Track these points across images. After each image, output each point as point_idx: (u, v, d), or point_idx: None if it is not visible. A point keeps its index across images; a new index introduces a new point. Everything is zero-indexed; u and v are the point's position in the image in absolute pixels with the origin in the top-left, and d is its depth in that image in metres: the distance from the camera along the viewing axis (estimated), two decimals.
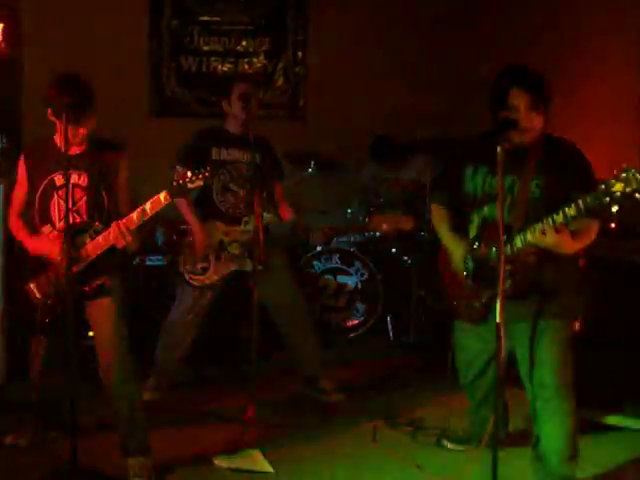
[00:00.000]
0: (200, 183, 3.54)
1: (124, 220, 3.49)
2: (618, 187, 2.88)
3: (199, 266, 4.53)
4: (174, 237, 4.67)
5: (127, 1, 6.69)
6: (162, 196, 3.51)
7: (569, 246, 3.23)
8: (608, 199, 2.89)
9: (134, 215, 3.49)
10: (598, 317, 4.11)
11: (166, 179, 4.45)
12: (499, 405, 3.48)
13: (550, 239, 3.15)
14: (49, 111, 3.52)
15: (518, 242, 3.26)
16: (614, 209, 2.89)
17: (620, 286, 4.20)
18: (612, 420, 4.17)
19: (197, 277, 4.54)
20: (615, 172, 2.89)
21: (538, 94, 3.32)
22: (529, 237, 3.22)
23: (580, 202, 3.01)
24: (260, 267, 4.05)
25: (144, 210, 3.49)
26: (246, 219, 4.53)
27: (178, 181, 3.52)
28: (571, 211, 3.05)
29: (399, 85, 7.12)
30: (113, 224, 3.49)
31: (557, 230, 3.12)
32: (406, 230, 5.62)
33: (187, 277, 4.55)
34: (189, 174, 3.52)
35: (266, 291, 4.30)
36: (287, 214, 4.69)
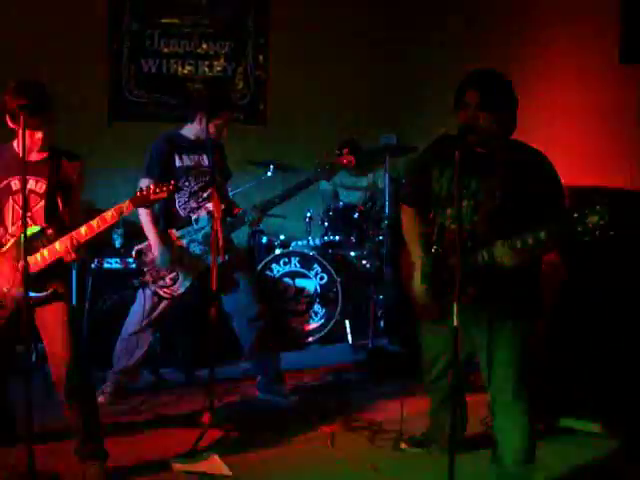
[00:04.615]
0: (163, 195, 3.63)
1: (75, 234, 3.49)
2: (593, 219, 2.89)
3: (168, 279, 4.51)
4: (134, 256, 4.58)
5: (87, 2, 6.65)
6: (125, 205, 3.56)
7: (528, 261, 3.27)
8: (581, 229, 2.91)
9: (94, 223, 3.51)
10: (554, 319, 4.18)
11: (125, 181, 4.48)
12: (456, 407, 3.51)
13: (515, 260, 3.19)
14: (7, 118, 3.49)
15: (485, 256, 3.26)
16: (586, 239, 2.90)
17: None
18: (565, 423, 4.23)
19: (170, 289, 4.51)
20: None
21: (488, 93, 3.30)
22: (496, 253, 3.23)
23: (553, 228, 3.05)
24: (220, 260, 4.08)
25: (104, 218, 3.51)
26: (195, 217, 4.53)
27: (142, 191, 3.59)
28: (541, 235, 3.07)
29: (361, 90, 7.17)
30: (65, 237, 3.48)
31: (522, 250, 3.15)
32: None
33: (161, 293, 4.52)
34: (152, 186, 3.61)
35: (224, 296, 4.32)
36: (236, 209, 4.69)
